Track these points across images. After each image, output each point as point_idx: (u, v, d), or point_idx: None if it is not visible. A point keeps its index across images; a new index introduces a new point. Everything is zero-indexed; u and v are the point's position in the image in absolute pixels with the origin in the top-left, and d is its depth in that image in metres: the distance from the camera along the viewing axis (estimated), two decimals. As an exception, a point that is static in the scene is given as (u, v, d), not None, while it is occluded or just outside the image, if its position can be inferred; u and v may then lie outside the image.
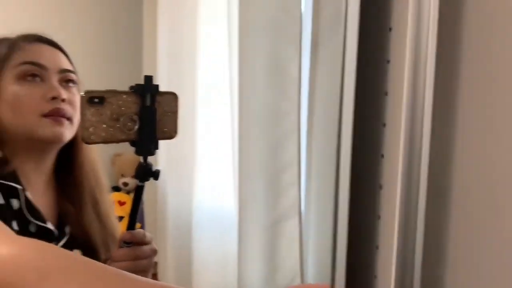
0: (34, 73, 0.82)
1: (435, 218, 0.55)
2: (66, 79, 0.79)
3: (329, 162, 0.68)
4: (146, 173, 0.49)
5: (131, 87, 0.48)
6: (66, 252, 0.48)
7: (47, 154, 0.90)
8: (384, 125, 0.53)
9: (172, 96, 0.50)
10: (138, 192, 0.53)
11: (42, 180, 0.93)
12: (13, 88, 0.82)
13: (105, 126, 0.53)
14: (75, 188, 0.96)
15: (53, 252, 0.47)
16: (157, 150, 0.50)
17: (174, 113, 0.51)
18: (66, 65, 0.87)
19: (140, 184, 0.51)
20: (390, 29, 0.53)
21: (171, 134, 0.50)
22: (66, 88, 0.82)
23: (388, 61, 0.52)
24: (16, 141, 0.86)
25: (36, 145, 0.87)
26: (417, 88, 0.50)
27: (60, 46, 0.90)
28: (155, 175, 0.49)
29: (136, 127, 0.49)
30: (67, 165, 0.96)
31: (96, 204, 0.73)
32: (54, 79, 0.82)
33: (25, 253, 0.46)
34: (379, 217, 0.56)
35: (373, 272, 0.56)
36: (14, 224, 0.80)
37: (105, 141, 0.51)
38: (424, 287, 0.52)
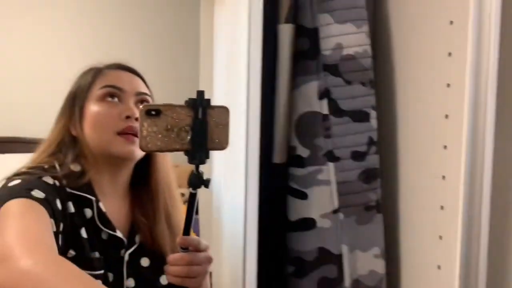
0: (112, 95, 0.91)
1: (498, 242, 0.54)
2: (142, 101, 0.86)
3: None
4: (198, 181, 0.52)
5: (185, 102, 0.52)
6: None
7: (122, 169, 0.96)
8: (445, 147, 0.54)
9: (224, 110, 0.53)
10: (191, 200, 0.56)
11: (118, 192, 0.99)
12: (94, 108, 0.91)
13: (160, 136, 0.57)
14: (149, 200, 1.02)
15: None
16: (209, 160, 0.53)
17: (225, 125, 0.53)
18: (142, 88, 0.95)
19: (192, 191, 0.54)
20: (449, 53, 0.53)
21: (222, 145, 0.52)
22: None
23: (448, 85, 0.52)
24: (95, 156, 0.94)
25: (111, 160, 0.94)
26: (478, 112, 0.50)
27: (138, 72, 0.99)
28: (206, 183, 0.52)
29: (189, 137, 0.52)
30: (143, 178, 1.03)
31: (168, 217, 0.77)
32: (131, 101, 0.90)
33: None
34: (440, 237, 0.56)
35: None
36: (83, 231, 0.87)
37: (160, 150, 0.55)
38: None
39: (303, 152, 0.67)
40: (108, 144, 0.89)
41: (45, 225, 0.71)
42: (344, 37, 0.69)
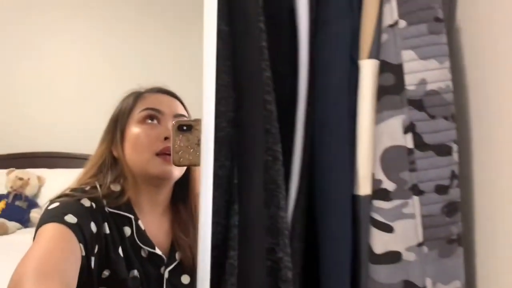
0: (152, 117, 0.95)
1: None
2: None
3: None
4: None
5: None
6: None
7: (161, 189, 1.00)
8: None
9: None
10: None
11: (157, 210, 1.02)
12: (135, 129, 0.95)
13: (192, 150, 0.59)
14: (189, 217, 1.04)
15: None
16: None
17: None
18: (181, 110, 0.99)
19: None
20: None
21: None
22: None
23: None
24: (134, 176, 0.98)
25: (150, 180, 0.97)
26: None
27: (177, 96, 1.04)
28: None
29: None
30: (183, 196, 1.05)
31: None
32: (169, 123, 0.93)
33: None
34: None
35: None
36: (120, 251, 0.89)
37: (191, 164, 0.57)
38: None
39: (389, 185, 0.68)
40: (147, 164, 0.92)
41: (69, 252, 0.74)
42: (427, 73, 0.70)
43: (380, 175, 0.69)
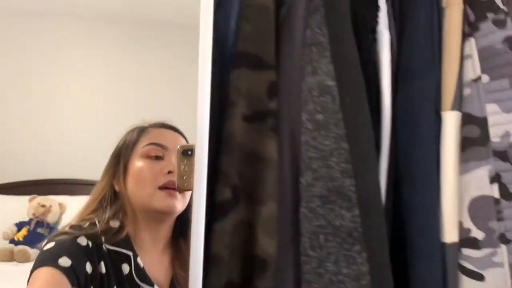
0: (156, 152, 0.97)
1: None
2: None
3: None
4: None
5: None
6: None
7: (162, 224, 1.01)
8: None
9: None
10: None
11: (158, 246, 1.03)
12: (138, 163, 0.97)
13: None
14: (187, 253, 1.05)
15: None
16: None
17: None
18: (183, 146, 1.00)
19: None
20: None
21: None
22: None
23: None
24: (136, 211, 0.99)
25: (152, 215, 0.99)
26: None
27: (180, 130, 1.06)
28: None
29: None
30: (183, 231, 1.05)
31: None
32: (173, 157, 0.96)
33: None
34: None
35: None
36: None
37: None
38: None
39: (478, 234, 0.70)
40: (150, 198, 0.94)
41: None
42: (511, 125, 0.74)
43: (469, 224, 0.72)
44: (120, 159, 1.00)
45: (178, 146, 0.84)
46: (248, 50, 0.68)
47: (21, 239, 2.98)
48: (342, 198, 0.65)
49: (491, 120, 0.74)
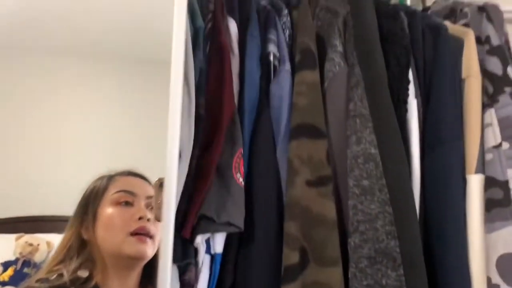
0: (126, 199, 1.02)
1: None
2: (151, 205, 0.97)
3: None
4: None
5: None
6: None
7: (132, 271, 1.05)
8: None
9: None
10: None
11: None
12: (108, 211, 1.02)
13: None
14: None
15: None
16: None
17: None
18: (151, 192, 1.07)
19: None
20: None
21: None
22: (151, 211, 1.01)
23: None
24: (105, 259, 1.02)
25: (122, 262, 1.02)
26: None
27: (147, 178, 1.12)
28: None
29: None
30: (152, 279, 1.09)
31: None
32: (142, 204, 1.02)
33: None
34: None
35: None
36: None
37: None
38: None
39: (507, 290, 0.77)
40: (121, 244, 0.98)
41: None
42: (529, 188, 0.82)
43: (498, 280, 0.79)
44: (88, 207, 1.02)
45: (157, 179, 0.88)
46: (306, 121, 0.74)
47: (6, 279, 2.90)
48: (388, 259, 0.71)
49: (511, 184, 0.82)
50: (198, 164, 0.72)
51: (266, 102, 0.77)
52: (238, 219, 0.67)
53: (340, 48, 0.83)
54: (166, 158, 0.67)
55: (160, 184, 0.78)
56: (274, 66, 0.81)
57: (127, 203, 0.99)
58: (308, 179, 0.73)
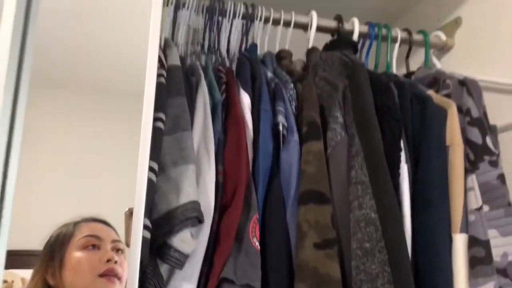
0: (93, 243, 1.09)
1: None
2: (117, 248, 1.06)
3: None
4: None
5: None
6: None
7: None
8: None
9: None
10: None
11: None
12: (76, 255, 1.08)
13: None
14: None
15: None
16: None
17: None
18: (116, 236, 1.15)
19: None
20: None
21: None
22: (117, 254, 1.08)
23: None
24: None
25: None
26: None
27: (110, 224, 1.19)
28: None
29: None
30: None
31: None
32: (108, 247, 1.09)
33: None
34: None
35: None
36: None
37: None
38: None
39: None
40: (90, 286, 1.04)
41: None
42: (508, 247, 0.92)
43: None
44: (54, 253, 1.05)
45: (127, 209, 0.96)
46: (313, 188, 0.83)
47: (-21, 317, 2.83)
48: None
49: (492, 243, 0.92)
50: (216, 228, 0.79)
51: (277, 170, 0.85)
52: (256, 281, 0.74)
53: (341, 119, 0.92)
54: (136, 187, 0.70)
55: (130, 213, 0.85)
56: (283, 135, 0.89)
57: (94, 247, 1.05)
58: (316, 241, 0.80)
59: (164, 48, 0.91)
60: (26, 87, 0.59)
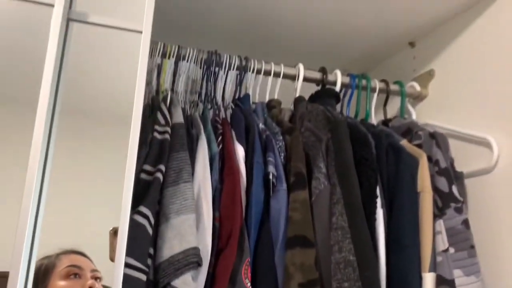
0: (75, 272, 1.19)
1: None
2: (96, 277, 1.17)
3: None
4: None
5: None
6: None
7: None
8: None
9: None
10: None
11: None
12: (60, 283, 1.18)
13: None
14: None
15: None
16: None
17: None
18: (94, 267, 1.25)
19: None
20: None
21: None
22: (97, 282, 1.19)
23: None
24: None
25: None
26: None
27: (87, 255, 1.30)
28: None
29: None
30: None
31: None
32: (89, 275, 1.20)
33: None
34: None
35: None
36: None
37: None
38: None
39: None
40: None
41: None
42: (472, 285, 1.04)
43: None
44: (38, 283, 1.13)
45: (111, 228, 1.05)
46: (299, 233, 0.93)
47: None
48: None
49: (457, 282, 1.04)
50: (213, 271, 0.89)
51: (267, 216, 0.96)
52: (249, 320, 0.84)
53: (324, 169, 1.03)
54: (121, 208, 0.75)
55: (114, 232, 0.94)
56: (273, 183, 1.00)
57: (76, 276, 1.14)
58: (300, 282, 0.91)
59: (170, 106, 1.01)
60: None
